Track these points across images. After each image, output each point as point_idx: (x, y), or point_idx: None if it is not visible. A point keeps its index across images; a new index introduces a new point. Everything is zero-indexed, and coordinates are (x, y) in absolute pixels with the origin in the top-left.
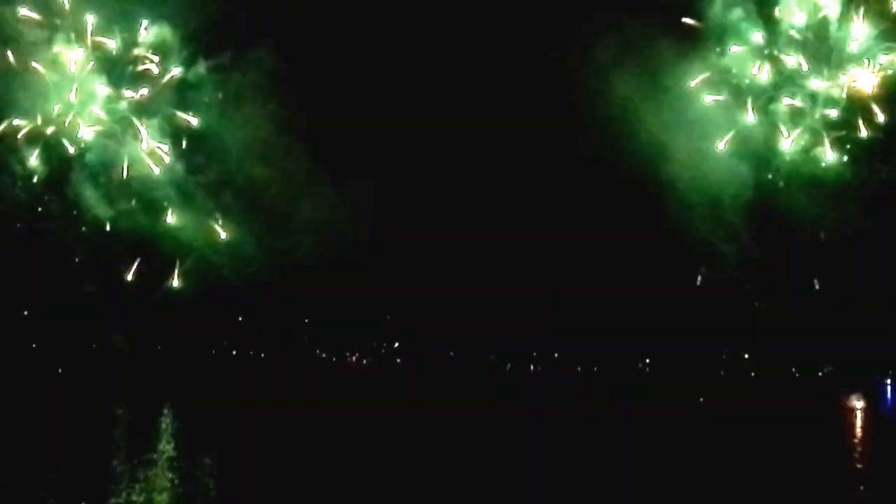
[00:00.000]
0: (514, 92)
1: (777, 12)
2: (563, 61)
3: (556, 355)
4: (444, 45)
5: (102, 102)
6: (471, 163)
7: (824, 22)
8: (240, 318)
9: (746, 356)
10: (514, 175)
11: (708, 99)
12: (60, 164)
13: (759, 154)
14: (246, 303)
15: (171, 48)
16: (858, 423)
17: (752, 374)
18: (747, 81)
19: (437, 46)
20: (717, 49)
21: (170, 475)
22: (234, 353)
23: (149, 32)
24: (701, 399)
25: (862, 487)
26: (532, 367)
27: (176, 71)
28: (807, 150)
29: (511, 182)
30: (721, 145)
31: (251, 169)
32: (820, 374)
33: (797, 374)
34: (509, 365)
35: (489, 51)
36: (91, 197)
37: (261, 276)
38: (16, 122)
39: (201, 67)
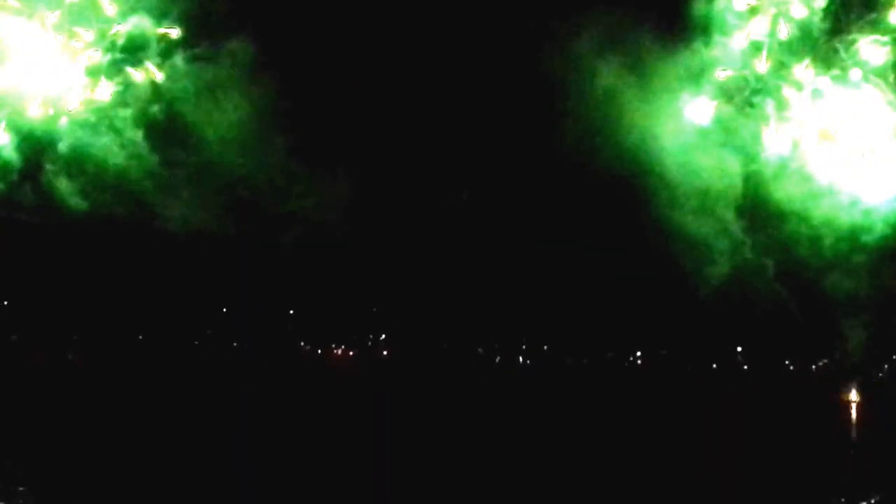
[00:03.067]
0: (498, 85)
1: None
2: (545, 54)
3: (545, 348)
4: (426, 36)
5: (79, 92)
6: (455, 154)
7: (810, 13)
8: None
9: (739, 349)
10: (501, 169)
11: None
12: (35, 155)
13: (747, 147)
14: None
15: (149, 38)
16: (854, 417)
17: (745, 367)
18: (733, 73)
19: (419, 37)
20: (702, 41)
21: None
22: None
23: (127, 23)
24: (692, 393)
25: (859, 482)
26: (521, 360)
27: (154, 62)
28: (795, 143)
29: (497, 176)
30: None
31: (231, 161)
32: (814, 367)
33: (791, 368)
34: (498, 357)
35: (473, 42)
36: (66, 188)
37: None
38: None
39: (179, 58)
